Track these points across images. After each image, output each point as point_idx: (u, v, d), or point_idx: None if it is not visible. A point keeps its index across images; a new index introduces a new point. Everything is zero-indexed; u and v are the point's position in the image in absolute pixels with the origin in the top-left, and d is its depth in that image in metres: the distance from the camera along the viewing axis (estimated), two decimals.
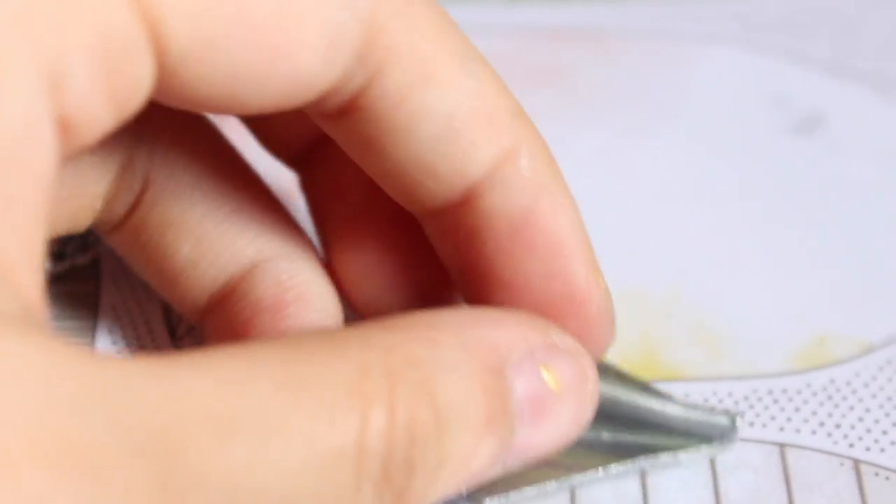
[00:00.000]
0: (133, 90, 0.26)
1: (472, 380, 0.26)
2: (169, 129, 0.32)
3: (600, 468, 0.31)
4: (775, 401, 0.33)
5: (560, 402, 0.28)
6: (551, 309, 0.29)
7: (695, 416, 0.31)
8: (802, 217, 0.37)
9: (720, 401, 0.33)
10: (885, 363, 0.34)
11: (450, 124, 0.28)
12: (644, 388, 0.31)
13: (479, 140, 0.28)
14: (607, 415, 0.31)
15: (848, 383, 0.33)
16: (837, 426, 0.32)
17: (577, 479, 0.30)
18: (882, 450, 0.32)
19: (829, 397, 0.33)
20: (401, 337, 0.26)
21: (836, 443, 0.32)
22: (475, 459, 0.27)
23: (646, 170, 0.38)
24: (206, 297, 0.32)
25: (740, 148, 0.39)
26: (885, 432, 0.32)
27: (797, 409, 0.33)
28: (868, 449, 0.32)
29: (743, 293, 0.35)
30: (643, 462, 0.31)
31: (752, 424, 0.32)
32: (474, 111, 0.28)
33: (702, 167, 0.38)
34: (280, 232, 0.33)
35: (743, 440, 0.32)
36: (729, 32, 0.42)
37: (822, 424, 0.32)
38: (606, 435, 0.31)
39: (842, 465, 0.31)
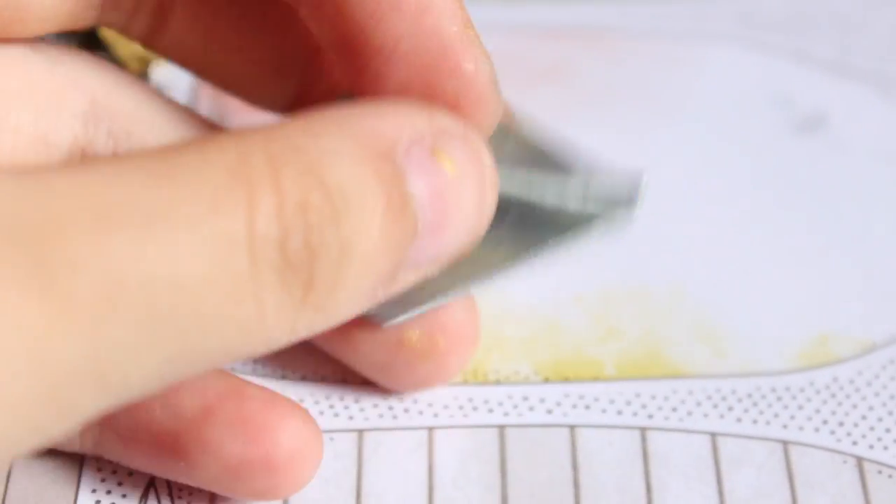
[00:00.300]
0: None
1: (362, 164, 0.25)
2: None
3: (512, 263, 0.29)
4: (779, 398, 0.33)
5: (459, 186, 0.27)
6: (429, 72, 0.28)
7: (596, 189, 0.30)
8: (805, 216, 0.37)
9: (723, 398, 0.33)
10: (888, 362, 0.34)
11: None
12: (541, 159, 0.30)
13: None
14: (504, 209, 0.30)
15: (851, 381, 0.33)
16: (840, 424, 0.32)
17: (493, 276, 0.29)
18: (885, 447, 0.32)
19: (833, 395, 0.33)
20: (279, 129, 0.25)
21: (839, 440, 0.32)
22: (382, 251, 0.26)
23: (649, 170, 0.38)
24: None
25: (743, 147, 0.39)
26: (888, 430, 0.32)
27: (800, 407, 0.33)
28: (871, 447, 0.32)
29: (746, 291, 0.35)
30: (551, 247, 0.29)
31: (755, 422, 0.32)
32: None
33: (704, 166, 0.38)
34: None
35: (746, 437, 0.32)
36: (731, 31, 0.42)
37: (825, 422, 0.32)
38: (507, 231, 0.30)
39: (845, 462, 0.31)
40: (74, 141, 0.31)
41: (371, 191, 0.25)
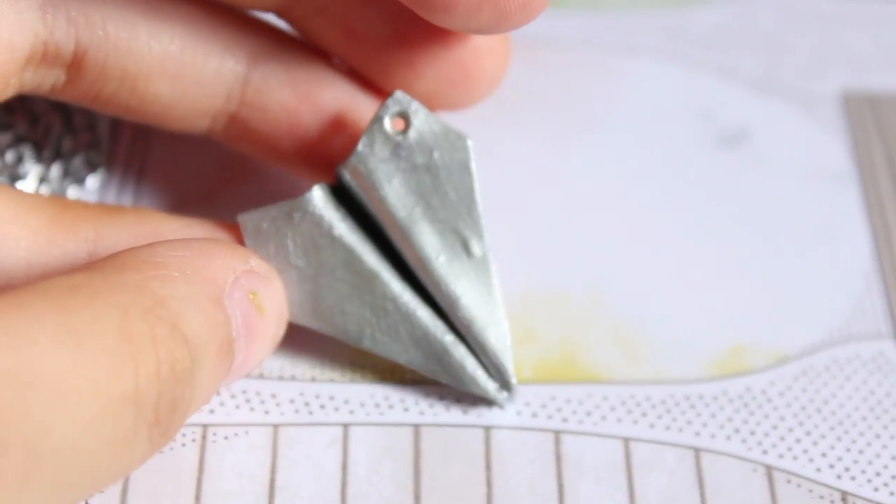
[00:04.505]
0: None
1: (204, 312, 0.28)
2: None
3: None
4: (692, 406, 0.33)
5: (266, 325, 0.30)
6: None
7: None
8: (724, 228, 0.37)
9: (637, 404, 0.33)
10: (801, 374, 0.34)
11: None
12: None
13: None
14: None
15: (763, 392, 0.34)
16: (752, 433, 0.33)
17: None
18: (795, 457, 0.32)
19: (745, 405, 0.33)
20: (139, 276, 0.27)
21: (749, 449, 0.32)
22: (211, 389, 0.29)
23: (571, 177, 0.39)
24: (207, 123, 0.33)
25: (665, 159, 0.39)
26: (798, 440, 0.32)
27: (713, 416, 0.33)
28: (781, 456, 0.32)
29: (663, 300, 0.35)
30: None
31: (668, 428, 0.33)
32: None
33: (627, 177, 0.39)
34: (254, 34, 0.33)
35: (659, 443, 0.32)
36: (656, 46, 0.42)
37: (736, 431, 0.33)
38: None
39: (755, 471, 0.32)
40: (35, 38, 0.31)
41: (209, 339, 0.28)
